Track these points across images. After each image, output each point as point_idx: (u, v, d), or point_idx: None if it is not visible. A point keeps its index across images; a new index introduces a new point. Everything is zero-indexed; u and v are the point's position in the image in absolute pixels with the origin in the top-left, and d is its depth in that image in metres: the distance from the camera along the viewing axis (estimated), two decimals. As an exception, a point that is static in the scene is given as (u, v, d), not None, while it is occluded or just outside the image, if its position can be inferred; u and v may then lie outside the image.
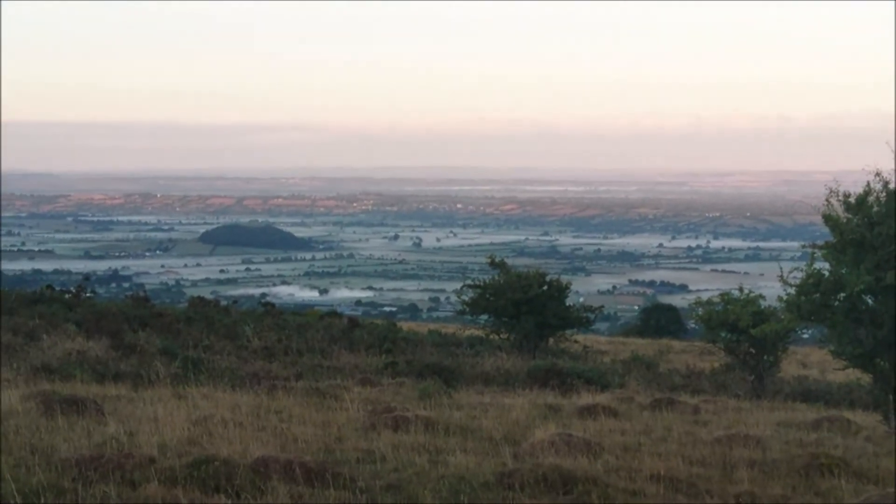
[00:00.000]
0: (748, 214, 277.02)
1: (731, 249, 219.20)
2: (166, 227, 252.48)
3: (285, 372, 23.32)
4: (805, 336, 30.19)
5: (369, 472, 12.52)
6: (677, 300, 79.34)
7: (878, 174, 16.84)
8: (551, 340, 33.63)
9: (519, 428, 16.45)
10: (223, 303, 40.38)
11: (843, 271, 16.62)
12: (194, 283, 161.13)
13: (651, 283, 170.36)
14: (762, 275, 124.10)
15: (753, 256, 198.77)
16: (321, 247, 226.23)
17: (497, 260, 34.33)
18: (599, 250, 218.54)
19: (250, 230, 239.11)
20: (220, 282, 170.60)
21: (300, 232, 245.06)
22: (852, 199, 16.92)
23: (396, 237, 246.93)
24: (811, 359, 37.70)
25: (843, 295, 16.73)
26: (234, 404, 17.31)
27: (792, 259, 22.61)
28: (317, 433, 15.06)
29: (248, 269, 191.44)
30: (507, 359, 29.51)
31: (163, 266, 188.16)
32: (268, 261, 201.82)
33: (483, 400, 20.31)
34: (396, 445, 14.08)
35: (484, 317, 33.96)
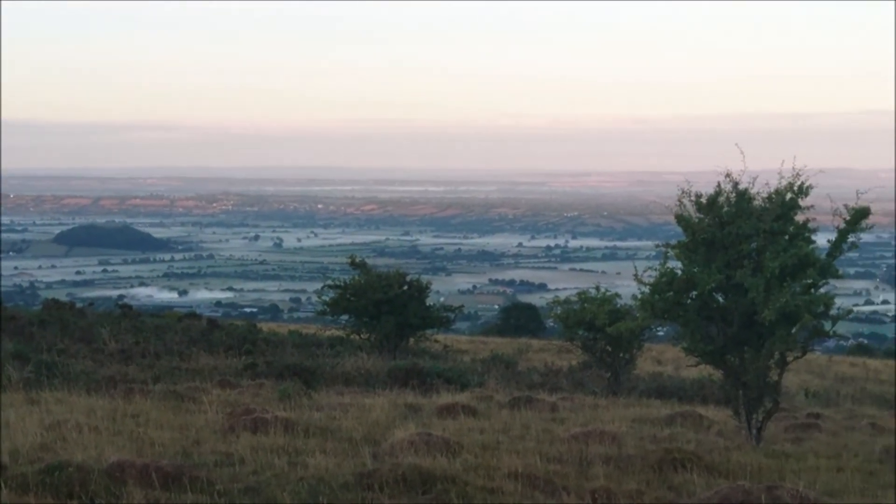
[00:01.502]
0: (605, 214, 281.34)
1: (588, 249, 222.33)
2: (20, 228, 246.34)
3: (142, 375, 22.97)
4: (660, 334, 30.76)
5: (228, 475, 12.42)
6: (536, 299, 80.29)
7: (728, 175, 17.21)
8: (412, 340, 33.70)
9: (379, 428, 16.48)
10: (79, 305, 39.56)
11: (695, 270, 16.95)
12: (49, 286, 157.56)
13: (511, 283, 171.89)
14: (619, 273, 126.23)
15: (610, 255, 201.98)
16: (180, 247, 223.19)
17: (358, 260, 34.29)
18: (460, 250, 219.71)
19: (107, 231, 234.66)
20: (75, 284, 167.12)
21: (158, 232, 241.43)
22: (703, 200, 17.27)
23: (257, 237, 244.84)
24: (666, 356, 38.47)
25: (694, 293, 17.06)
26: (89, 409, 17.01)
27: (647, 258, 23.02)
28: (174, 437, 14.88)
29: (104, 271, 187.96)
30: (367, 359, 29.51)
31: (16, 268, 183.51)
32: (125, 262, 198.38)
33: (343, 400, 20.29)
34: (255, 447, 13.99)
35: (345, 317, 33.87)
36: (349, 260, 34.44)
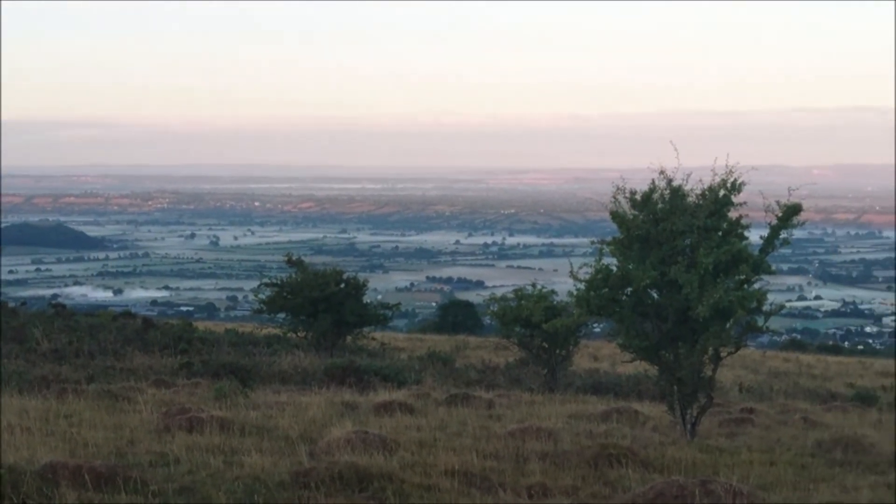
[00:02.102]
0: (542, 211, 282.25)
1: (525, 246, 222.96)
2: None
3: (76, 375, 22.74)
4: (597, 330, 30.89)
5: (162, 474, 12.34)
6: (474, 296, 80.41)
7: (662, 172, 17.34)
8: (349, 338, 33.63)
9: (315, 426, 16.45)
10: (11, 305, 39.07)
11: (630, 267, 17.05)
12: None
13: (448, 280, 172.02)
14: (556, 270, 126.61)
15: (547, 252, 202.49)
16: (115, 246, 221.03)
17: (294, 258, 34.14)
18: (397, 247, 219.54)
19: (40, 229, 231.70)
20: (8, 283, 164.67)
21: (93, 231, 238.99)
22: (638, 197, 17.38)
23: (193, 236, 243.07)
24: (602, 352, 38.69)
25: (629, 289, 17.16)
26: (21, 409, 16.83)
27: (583, 255, 23.13)
28: (108, 437, 14.77)
29: (38, 270, 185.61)
30: (304, 357, 29.43)
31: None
32: (59, 261, 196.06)
33: (280, 399, 20.22)
34: (191, 447, 13.92)
35: (281, 315, 33.73)
36: (286, 258, 34.29)
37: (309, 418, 17.31)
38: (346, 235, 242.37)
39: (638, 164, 18.51)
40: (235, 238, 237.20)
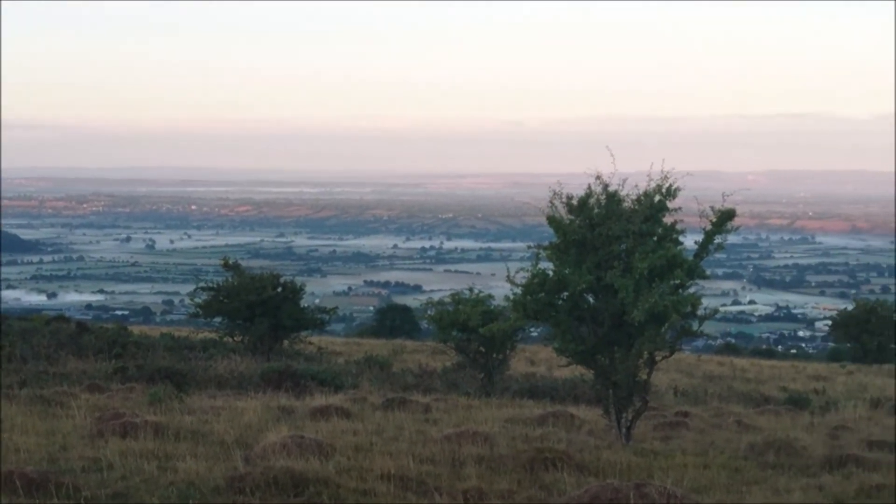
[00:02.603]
0: (480, 216, 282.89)
1: (463, 250, 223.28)
2: None
3: (8, 380, 22.44)
4: (534, 334, 31.01)
5: (95, 480, 12.22)
6: (411, 301, 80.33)
7: (598, 177, 17.45)
8: (286, 342, 33.53)
9: (251, 431, 16.37)
10: (-59, 309, 38.52)
11: (567, 271, 17.13)
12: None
13: (386, 284, 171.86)
14: (493, 275, 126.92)
15: (485, 257, 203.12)
16: (49, 249, 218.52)
17: (231, 262, 34.01)
18: (335, 251, 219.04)
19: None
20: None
21: (27, 234, 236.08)
22: (574, 202, 17.47)
23: (129, 239, 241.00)
24: (539, 356, 38.81)
25: (566, 294, 17.25)
26: (-49, 415, 16.58)
27: (521, 259, 23.27)
28: (40, 442, 14.60)
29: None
30: (241, 361, 29.28)
31: None
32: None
33: (215, 403, 20.10)
34: (124, 452, 13.80)
35: (218, 319, 33.58)
36: (222, 262, 34.15)
37: (245, 423, 17.21)
38: (283, 239, 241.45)
39: (575, 169, 18.59)
40: (172, 242, 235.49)
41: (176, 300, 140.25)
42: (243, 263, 35.15)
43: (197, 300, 33.40)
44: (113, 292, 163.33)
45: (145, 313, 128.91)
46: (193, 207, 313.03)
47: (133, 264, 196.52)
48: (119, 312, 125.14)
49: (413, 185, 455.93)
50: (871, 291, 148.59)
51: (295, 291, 33.31)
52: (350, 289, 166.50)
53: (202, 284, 33.56)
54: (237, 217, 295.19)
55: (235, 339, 32.86)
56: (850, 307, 53.06)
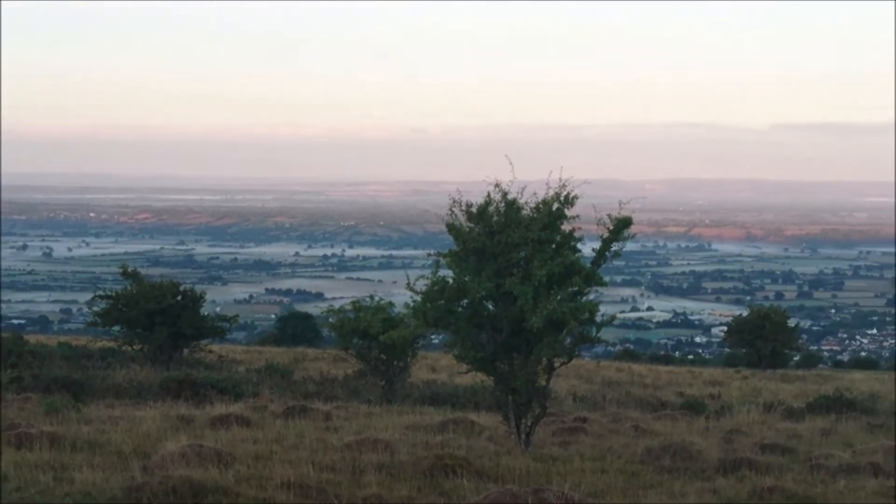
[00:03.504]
0: (382, 223, 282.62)
1: (365, 258, 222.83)
2: None
3: None
4: (436, 341, 31.14)
5: (-11, 492, 12.05)
6: (313, 308, 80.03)
7: (497, 185, 17.60)
8: (186, 351, 33.25)
9: (150, 441, 16.25)
10: None
11: (466, 279, 17.26)
12: None
13: (288, 292, 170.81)
14: (395, 282, 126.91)
15: (387, 264, 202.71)
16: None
17: (130, 270, 33.64)
18: (236, 259, 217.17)
19: None
20: None
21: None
22: (474, 209, 17.61)
23: (25, 247, 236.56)
24: (441, 363, 38.91)
25: (465, 301, 17.39)
26: None
27: (422, 267, 23.12)
28: (-68, 454, 14.34)
29: None
30: (140, 370, 29.00)
31: None
32: None
33: (114, 413, 19.91)
34: (20, 463, 13.62)
35: (117, 328, 33.19)
36: (121, 269, 33.77)
37: (143, 432, 17.08)
38: (184, 247, 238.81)
39: (476, 176, 18.73)
40: (70, 249, 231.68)
41: (74, 309, 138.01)
42: (143, 271, 34.77)
43: (95, 309, 32.99)
44: (9, 301, 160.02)
45: (42, 322, 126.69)
46: (92, 215, 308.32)
47: (30, 272, 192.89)
48: (15, 321, 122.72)
49: (315, 193, 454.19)
50: (766, 298, 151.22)
51: (195, 299, 33.07)
52: (251, 297, 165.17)
53: (100, 293, 33.17)
54: (137, 224, 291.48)
55: (134, 347, 32.52)
56: (745, 313, 53.92)
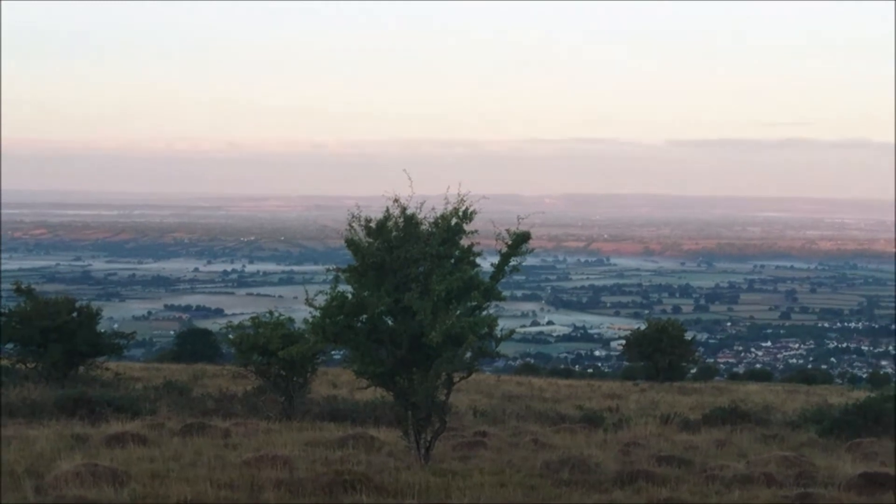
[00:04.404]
0: (282, 239, 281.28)
1: (266, 273, 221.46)
2: None
3: None
4: (337, 357, 31.02)
5: None
6: (212, 324, 79.38)
7: (396, 200, 17.62)
8: (82, 368, 32.76)
9: (43, 460, 15.98)
10: None
11: (365, 294, 17.26)
12: None
13: (187, 308, 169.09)
14: (296, 298, 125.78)
15: (287, 280, 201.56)
16: None
17: (24, 286, 33.08)
18: (134, 275, 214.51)
19: None
20: None
21: None
22: (373, 224, 17.62)
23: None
24: (341, 379, 38.77)
25: (365, 316, 17.37)
26: None
27: (323, 282, 23.09)
28: None
29: None
30: (34, 388, 28.49)
31: None
32: None
33: (6, 433, 19.53)
34: None
35: (9, 345, 32.62)
36: (14, 286, 33.18)
37: (36, 452, 16.79)
38: (80, 263, 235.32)
39: (376, 192, 18.73)
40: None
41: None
42: (37, 288, 34.26)
43: (-13, 326, 32.36)
44: None
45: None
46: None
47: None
48: None
49: (214, 208, 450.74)
50: (663, 311, 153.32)
51: (91, 316, 32.62)
52: (150, 313, 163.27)
53: (-8, 310, 32.55)
54: (31, 240, 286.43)
55: (28, 365, 31.97)
56: (643, 327, 54.51)
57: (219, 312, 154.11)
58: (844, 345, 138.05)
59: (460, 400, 30.63)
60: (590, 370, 78.85)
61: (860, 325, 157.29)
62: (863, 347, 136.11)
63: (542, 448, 20.28)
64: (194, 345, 57.20)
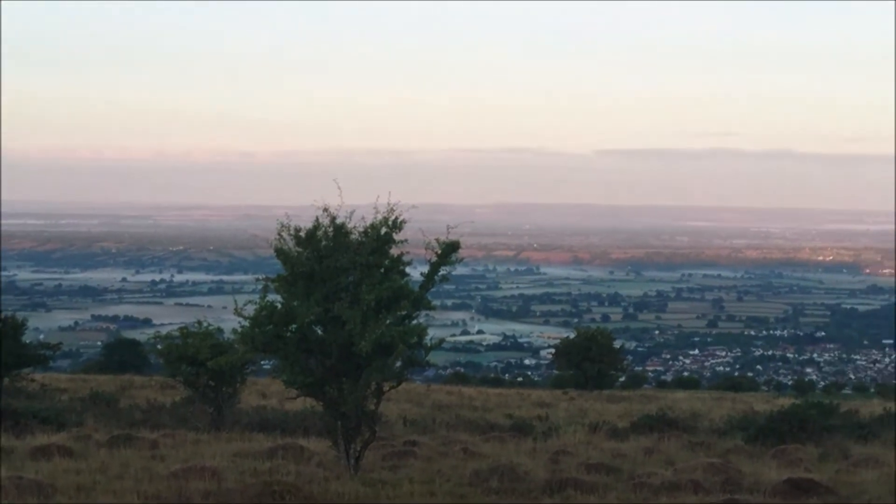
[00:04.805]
0: (212, 248, 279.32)
1: (194, 283, 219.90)
2: None
3: None
4: (266, 367, 30.91)
5: None
6: (140, 335, 78.66)
7: (326, 209, 17.60)
8: (6, 380, 32.34)
9: (-33, 473, 15.73)
10: None
11: (295, 303, 17.22)
12: None
13: (114, 319, 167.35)
14: (225, 308, 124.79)
15: (217, 290, 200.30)
16: None
17: (-54, 298, 32.66)
18: (61, 285, 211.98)
19: None
20: None
21: None
22: (302, 234, 17.58)
23: None
24: (271, 389, 38.63)
25: (294, 326, 17.32)
26: None
27: (252, 292, 22.97)
28: None
29: None
30: (-44, 401, 28.02)
31: None
32: None
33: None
34: None
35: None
36: (-64, 297, 32.74)
37: (-41, 465, 16.52)
38: (5, 273, 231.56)
39: (306, 201, 18.67)
40: None
41: None
42: (-40, 299, 33.75)
43: None
44: None
45: None
46: None
47: None
48: None
49: (143, 217, 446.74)
50: (592, 320, 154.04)
51: (16, 327, 32.25)
52: (77, 323, 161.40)
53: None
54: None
55: (-50, 378, 31.49)
56: (573, 335, 54.86)
57: (147, 323, 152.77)
58: (770, 352, 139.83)
59: (390, 409, 30.62)
60: (519, 379, 79.05)
61: (785, 332, 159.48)
62: (788, 355, 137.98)
63: (472, 457, 20.31)
64: (122, 355, 56.67)
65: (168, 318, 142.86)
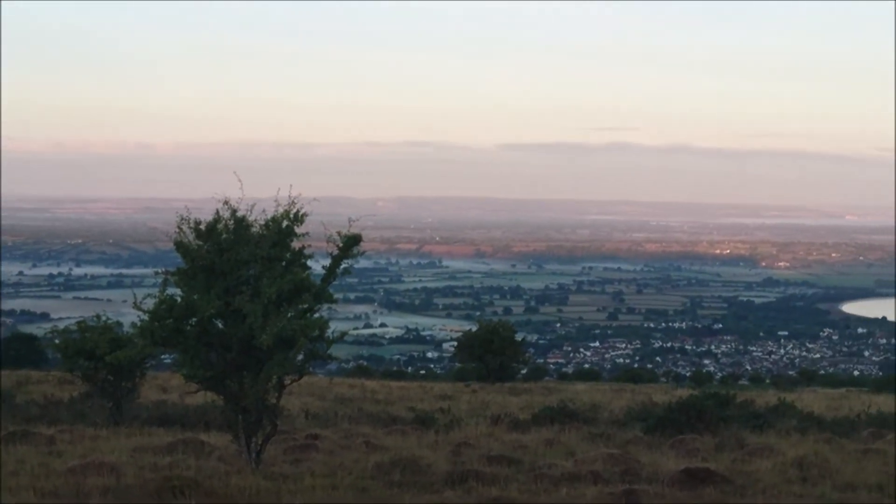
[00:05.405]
0: (111, 241, 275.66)
1: (94, 276, 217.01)
2: None
3: None
4: (167, 361, 30.62)
5: None
6: (38, 329, 77.40)
7: (226, 202, 17.51)
8: None
9: None
10: None
11: (195, 297, 17.09)
12: None
13: (11, 313, 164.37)
14: (125, 301, 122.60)
15: (116, 283, 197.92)
16: None
17: None
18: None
19: None
20: None
21: None
22: (203, 227, 17.45)
23: None
24: (171, 383, 38.24)
25: (194, 320, 17.19)
26: None
27: (153, 286, 22.77)
28: None
29: None
30: None
31: None
32: None
33: None
34: None
35: None
36: None
37: None
38: None
39: (208, 194, 18.52)
40: None
41: None
42: None
43: None
44: None
45: None
46: None
47: None
48: None
49: (40, 210, 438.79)
50: (495, 313, 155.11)
51: None
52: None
53: None
54: None
55: None
56: (475, 328, 55.06)
57: (44, 317, 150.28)
58: (669, 344, 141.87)
59: (292, 403, 30.51)
60: (422, 372, 79.21)
61: (684, 324, 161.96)
62: (686, 347, 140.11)
63: (374, 450, 20.34)
64: (18, 350, 55.69)
65: (66, 312, 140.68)
